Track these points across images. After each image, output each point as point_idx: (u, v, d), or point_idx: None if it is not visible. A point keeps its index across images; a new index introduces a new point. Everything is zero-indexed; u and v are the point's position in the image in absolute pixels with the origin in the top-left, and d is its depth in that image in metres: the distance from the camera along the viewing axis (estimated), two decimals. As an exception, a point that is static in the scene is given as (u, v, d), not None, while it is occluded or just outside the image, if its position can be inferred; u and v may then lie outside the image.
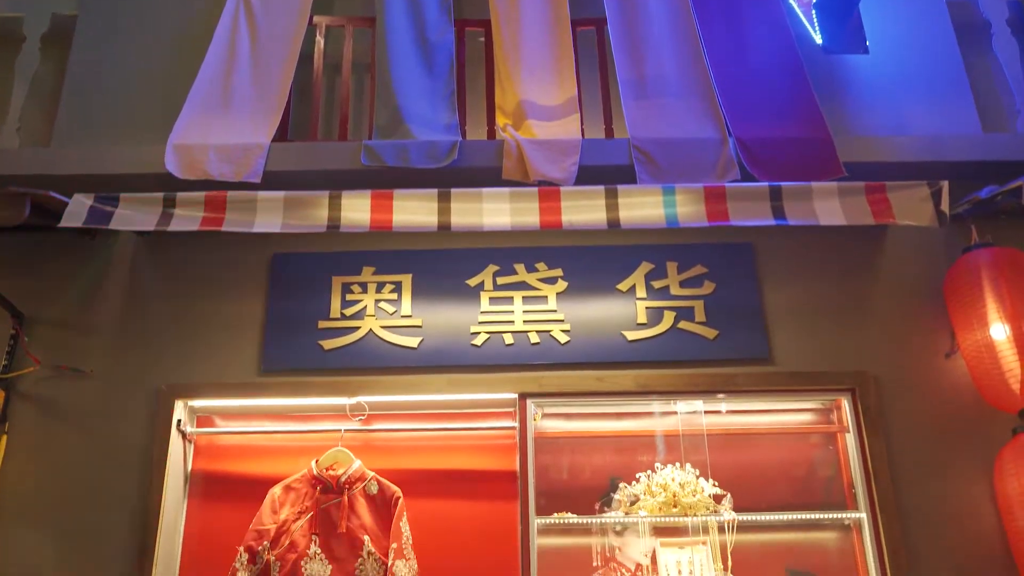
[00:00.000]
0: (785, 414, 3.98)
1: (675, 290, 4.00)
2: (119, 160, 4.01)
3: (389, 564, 3.52)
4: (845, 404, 3.84)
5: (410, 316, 3.95)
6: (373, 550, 3.58)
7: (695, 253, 4.06)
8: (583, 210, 3.51)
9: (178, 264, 4.10)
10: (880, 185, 3.56)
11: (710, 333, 3.91)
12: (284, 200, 3.56)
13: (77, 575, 3.58)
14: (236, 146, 3.95)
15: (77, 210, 3.51)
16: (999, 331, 3.60)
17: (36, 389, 3.88)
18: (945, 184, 3.52)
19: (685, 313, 3.95)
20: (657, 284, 4.01)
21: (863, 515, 3.67)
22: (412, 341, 3.90)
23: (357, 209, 3.53)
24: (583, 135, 4.13)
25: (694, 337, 3.91)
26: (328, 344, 3.89)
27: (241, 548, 3.56)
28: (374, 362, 3.87)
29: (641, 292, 3.99)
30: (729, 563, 3.62)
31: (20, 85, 4.54)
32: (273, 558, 3.58)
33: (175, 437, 3.78)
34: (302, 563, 3.58)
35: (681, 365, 3.86)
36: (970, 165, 4.01)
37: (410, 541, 3.60)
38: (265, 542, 3.58)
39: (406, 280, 4.02)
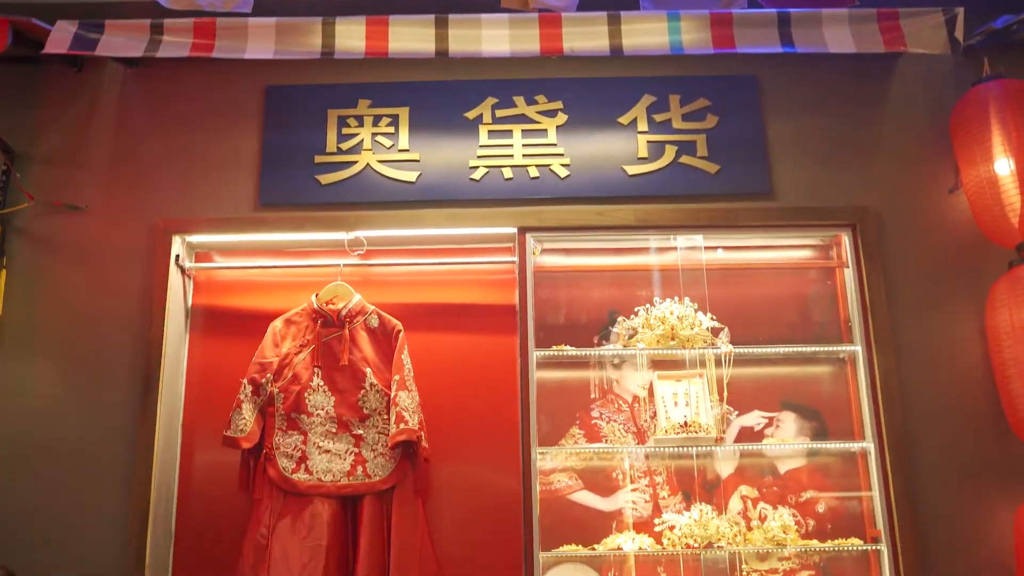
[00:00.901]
0: (785, 250, 3.98)
1: (677, 124, 3.93)
2: (103, -13, 3.86)
3: (392, 395, 3.58)
4: (845, 240, 3.83)
5: (407, 150, 3.89)
6: (375, 382, 3.64)
7: (698, 86, 3.97)
8: (585, 36, 3.41)
9: (169, 98, 4.01)
10: (893, 12, 3.45)
11: (711, 168, 3.86)
12: (276, 26, 3.46)
13: (83, 408, 3.64)
14: (225, -28, 3.80)
15: (61, 36, 3.41)
16: (1003, 166, 3.56)
17: (32, 225, 3.85)
18: (960, 10, 3.42)
19: (687, 147, 3.89)
20: (659, 117, 3.94)
21: (858, 348, 3.71)
22: (410, 175, 3.85)
23: (352, 36, 3.43)
24: (585, -40, 3.97)
25: (695, 172, 3.87)
26: (325, 179, 3.85)
27: (245, 380, 3.61)
28: (372, 196, 3.83)
29: (642, 125, 3.92)
30: (725, 395, 3.68)
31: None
32: (276, 390, 3.63)
33: (174, 272, 3.77)
34: (305, 395, 3.64)
35: (681, 200, 3.83)
36: (986, -7, 3.88)
37: (412, 373, 3.64)
38: (268, 374, 3.63)
39: (403, 113, 3.94)
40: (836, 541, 3.56)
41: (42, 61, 3.88)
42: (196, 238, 3.86)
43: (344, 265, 3.82)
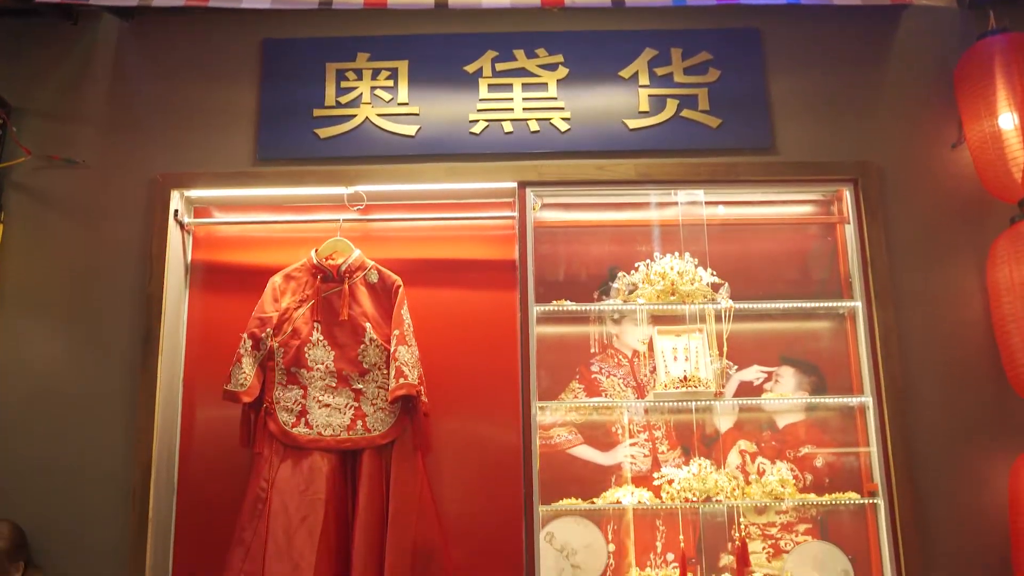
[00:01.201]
0: (786, 205, 3.96)
1: (679, 77, 3.89)
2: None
3: (391, 350, 3.58)
4: (847, 195, 3.81)
5: (407, 104, 3.85)
6: (375, 337, 3.64)
7: (700, 39, 3.93)
8: (586, -12, 3.37)
9: (165, 51, 3.97)
10: (898, -37, 3.41)
11: (713, 122, 3.83)
12: (273, -23, 3.42)
13: (84, 363, 3.65)
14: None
15: (55, -15, 3.37)
16: (1007, 120, 3.54)
17: (29, 180, 3.82)
18: (967, -39, 3.38)
19: (688, 101, 3.86)
20: (660, 71, 3.90)
21: (858, 304, 3.71)
22: (409, 129, 3.83)
23: (350, -14, 3.39)
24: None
25: (696, 126, 3.84)
26: (324, 132, 3.82)
27: (245, 335, 3.61)
28: (371, 151, 3.81)
29: (644, 79, 3.89)
30: (724, 350, 3.69)
31: None
32: (276, 344, 3.64)
33: (173, 227, 3.76)
34: (305, 349, 3.64)
35: (683, 154, 3.81)
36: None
37: (411, 328, 3.64)
38: (268, 329, 3.63)
39: (402, 67, 3.90)
40: (833, 495, 3.58)
41: (37, 14, 3.84)
42: (194, 193, 3.84)
43: (343, 220, 3.80)
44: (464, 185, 3.80)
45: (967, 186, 3.79)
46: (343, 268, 3.71)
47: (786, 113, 3.88)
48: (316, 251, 3.75)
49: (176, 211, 3.78)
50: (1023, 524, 3.31)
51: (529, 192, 3.76)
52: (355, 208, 3.81)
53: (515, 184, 3.77)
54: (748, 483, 3.60)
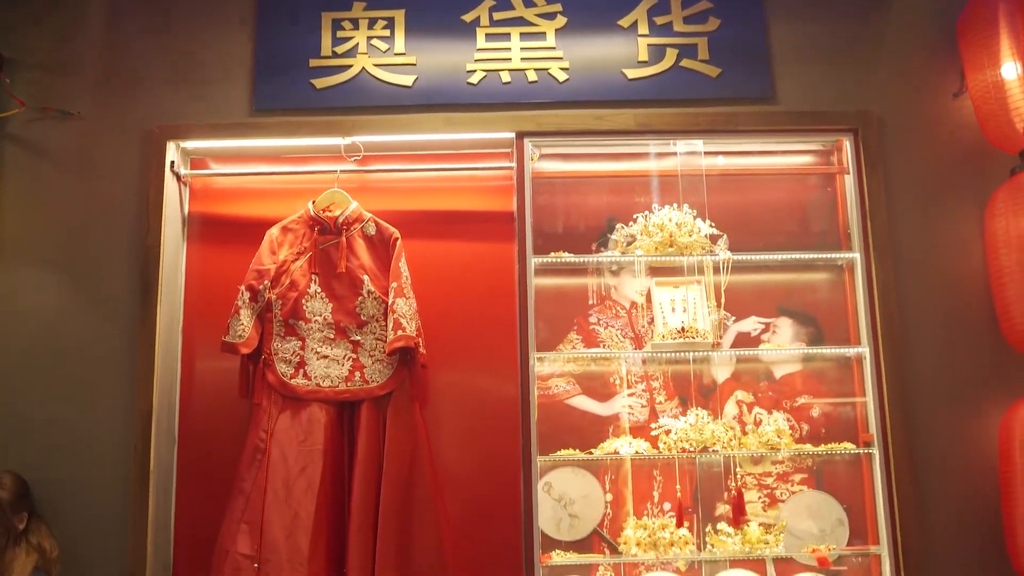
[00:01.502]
0: (785, 155, 3.94)
1: (678, 26, 3.85)
2: None
3: (389, 302, 3.58)
4: (847, 145, 3.79)
5: (403, 54, 3.82)
6: (373, 289, 3.64)
7: (701, -13, 3.89)
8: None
9: (160, 1, 3.92)
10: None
11: (713, 71, 3.80)
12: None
13: (82, 316, 3.65)
14: None
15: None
16: (1010, 70, 3.50)
17: (23, 132, 3.80)
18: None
19: (688, 51, 3.82)
20: (660, 20, 3.85)
21: (856, 255, 3.71)
22: (406, 79, 3.79)
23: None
24: None
25: (696, 75, 3.80)
26: (320, 83, 3.79)
27: (242, 287, 3.61)
28: (368, 101, 3.78)
29: (643, 28, 3.84)
30: (722, 301, 3.69)
31: None
32: (274, 296, 3.64)
33: (169, 179, 3.74)
34: (303, 301, 3.64)
35: (682, 104, 3.78)
36: None
37: (409, 281, 3.64)
38: (266, 281, 3.63)
39: (398, 16, 3.85)
40: (829, 445, 3.61)
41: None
42: (191, 144, 3.82)
43: (341, 171, 3.78)
44: (462, 136, 3.78)
45: (968, 137, 3.76)
46: (340, 220, 3.70)
47: (786, 62, 3.84)
48: (313, 203, 3.74)
49: (172, 163, 3.75)
50: (1013, 474, 3.34)
51: (527, 143, 3.74)
52: (352, 159, 3.79)
53: (513, 135, 3.74)
54: (745, 433, 3.62)
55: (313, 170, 3.84)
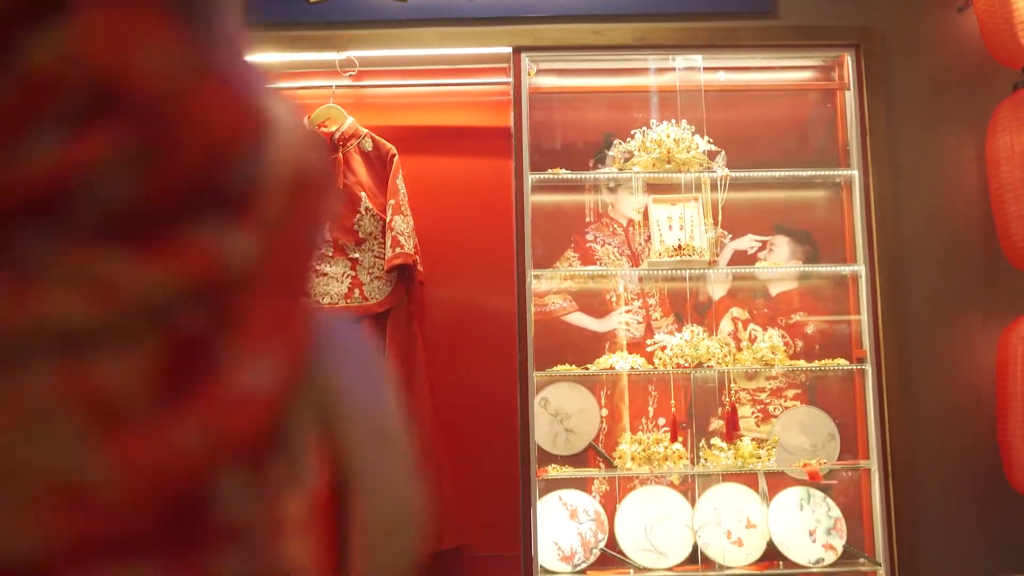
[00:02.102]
0: (785, 71, 3.89)
1: (679, -63, 3.77)
2: None
3: (387, 220, 3.58)
4: (848, 60, 3.74)
5: (398, -34, 3.75)
6: (370, 206, 3.63)
7: None
8: None
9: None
10: None
11: (713, -16, 3.73)
12: None
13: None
14: None
15: None
16: (1016, -18, 3.44)
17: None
18: None
19: (688, -38, 3.75)
20: (660, -69, 3.77)
21: (855, 172, 3.68)
22: (401, -8, 3.73)
23: None
24: None
25: (697, -12, 3.74)
26: (313, -4, 3.73)
27: (239, 204, 3.60)
28: (363, 15, 3.71)
29: (643, -61, 3.76)
30: (720, 218, 3.69)
31: None
32: (271, 213, 3.63)
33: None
34: (300, 218, 3.64)
35: (681, 18, 3.71)
36: None
37: (406, 198, 3.64)
38: (262, 198, 3.62)
39: (393, -74, 3.77)
40: (822, 361, 3.64)
41: None
42: (184, 59, 3.76)
43: (336, 87, 3.74)
44: (458, 50, 3.72)
45: (971, 52, 3.71)
46: (336, 136, 3.68)
47: (788, -25, 3.77)
48: (308, 118, 3.70)
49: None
50: (1010, 390, 3.36)
51: (524, 57, 3.68)
52: (347, 74, 3.75)
53: (510, 49, 3.68)
54: (740, 349, 3.66)
55: (308, 85, 3.80)
